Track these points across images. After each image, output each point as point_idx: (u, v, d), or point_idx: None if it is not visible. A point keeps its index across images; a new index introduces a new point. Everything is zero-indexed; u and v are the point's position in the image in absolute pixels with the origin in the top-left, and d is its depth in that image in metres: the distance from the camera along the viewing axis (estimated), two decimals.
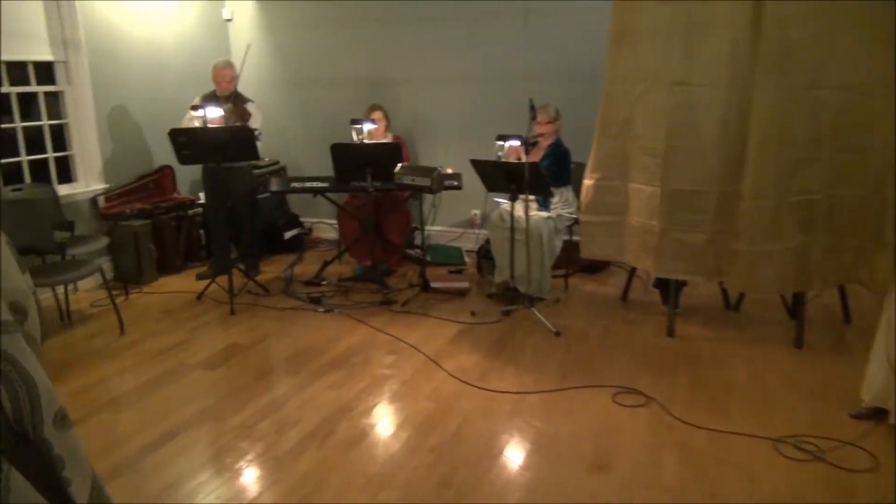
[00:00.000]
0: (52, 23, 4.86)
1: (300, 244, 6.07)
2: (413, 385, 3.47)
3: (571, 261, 4.73)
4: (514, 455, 2.83)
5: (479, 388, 3.40)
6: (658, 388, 3.30)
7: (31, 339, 1.07)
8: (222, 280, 4.75)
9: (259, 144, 4.70)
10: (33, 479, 0.99)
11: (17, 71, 4.76)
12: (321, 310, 4.56)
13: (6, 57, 4.61)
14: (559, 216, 4.50)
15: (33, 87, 4.86)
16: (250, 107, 5.09)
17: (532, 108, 4.38)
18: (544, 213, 4.46)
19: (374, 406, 3.27)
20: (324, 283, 5.05)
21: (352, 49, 5.99)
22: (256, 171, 5.55)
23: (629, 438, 2.90)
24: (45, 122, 4.97)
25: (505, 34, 5.39)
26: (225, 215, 5.14)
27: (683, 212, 3.71)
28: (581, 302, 4.63)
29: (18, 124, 4.78)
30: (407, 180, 4.51)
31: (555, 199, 4.48)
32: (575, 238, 4.52)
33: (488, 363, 3.69)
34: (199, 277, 5.22)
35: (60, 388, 3.46)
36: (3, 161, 4.68)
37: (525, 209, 4.22)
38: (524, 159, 4.28)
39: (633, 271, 4.49)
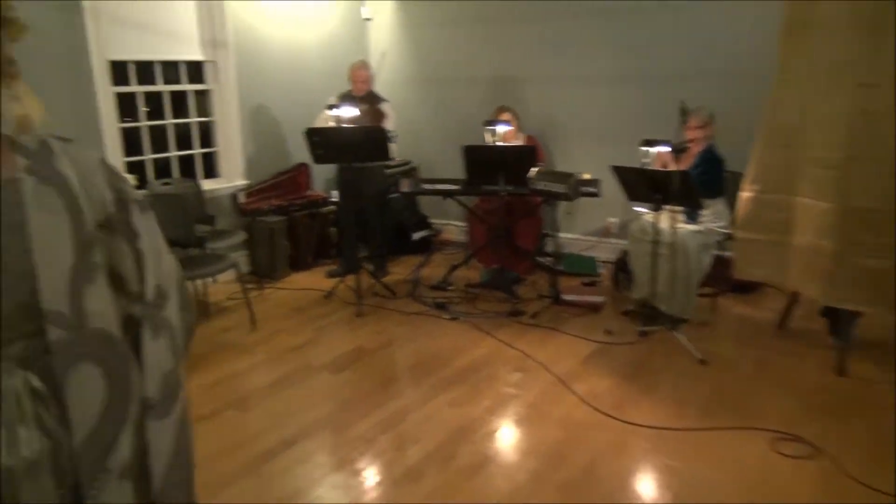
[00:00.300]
0: (203, 24, 5.05)
1: (428, 246, 5.98)
2: (541, 408, 3.23)
3: (720, 279, 4.28)
4: (653, 501, 2.53)
5: (613, 417, 3.10)
6: (828, 437, 2.84)
7: (167, 324, 1.13)
8: (350, 279, 4.74)
9: (394, 146, 4.64)
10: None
11: (171, 70, 4.99)
12: (447, 317, 4.42)
13: (162, 57, 4.85)
14: (709, 230, 4.08)
15: (184, 86, 5.09)
16: (385, 107, 5.05)
17: (683, 111, 4.00)
18: (692, 227, 4.06)
19: (499, 429, 3.07)
20: (450, 287, 4.92)
21: (488, 47, 5.81)
22: (388, 171, 5.51)
23: (793, 497, 2.50)
24: (193, 120, 5.19)
25: (650, 29, 4.97)
26: (355, 214, 5.13)
27: (863, 233, 3.20)
28: (731, 327, 4.18)
29: (170, 121, 5.02)
30: (541, 186, 4.26)
31: (704, 212, 4.07)
32: (725, 254, 4.09)
33: (624, 390, 3.38)
34: (329, 275, 5.26)
35: (195, 380, 3.56)
36: (155, 156, 4.93)
37: (671, 221, 3.85)
38: (672, 167, 3.92)
39: (793, 295, 3.98)
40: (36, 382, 0.99)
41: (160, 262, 1.13)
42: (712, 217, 4.10)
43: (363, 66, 5.13)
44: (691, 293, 4.05)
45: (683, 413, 3.12)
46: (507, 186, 4.44)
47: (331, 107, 4.52)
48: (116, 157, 4.54)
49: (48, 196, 0.98)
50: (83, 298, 0.99)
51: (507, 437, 3.03)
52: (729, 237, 4.02)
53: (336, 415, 3.24)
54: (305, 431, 3.08)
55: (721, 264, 4.12)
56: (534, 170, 4.33)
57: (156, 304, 1.11)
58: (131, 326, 1.08)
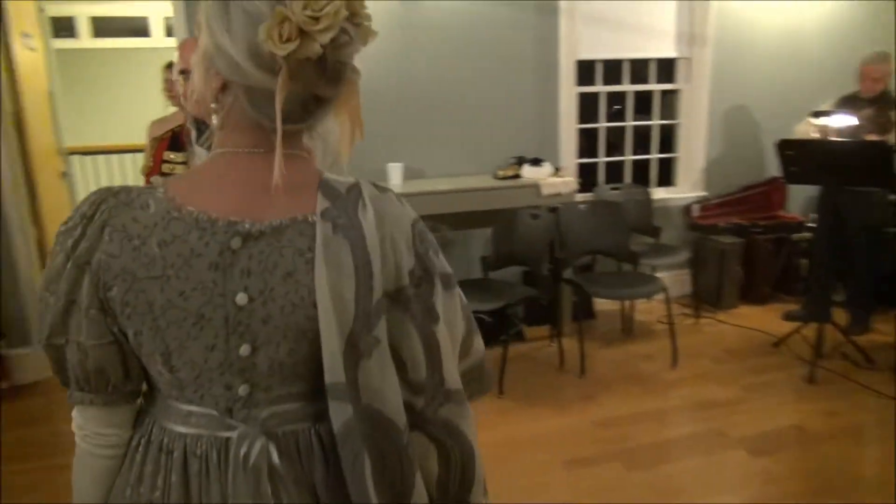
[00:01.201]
0: (682, 18, 4.56)
1: None
2: None
3: None
4: None
5: None
6: None
7: (452, 431, 0.95)
8: (812, 328, 3.73)
9: None
10: None
11: (638, 69, 4.67)
12: None
13: (632, 55, 4.57)
14: None
15: (651, 86, 4.71)
16: None
17: None
18: None
19: None
20: None
21: None
22: (891, 199, 4.16)
23: None
24: (655, 122, 4.80)
25: None
26: (835, 248, 3.98)
27: None
28: None
29: (630, 123, 4.73)
30: None
31: None
32: None
33: None
34: (787, 317, 4.30)
35: (591, 412, 3.26)
36: (609, 159, 4.72)
37: None
38: None
39: None
40: (275, 458, 0.85)
41: (457, 355, 0.94)
42: None
43: (881, 58, 3.92)
44: None
45: None
46: None
47: (817, 114, 3.56)
48: (570, 158, 4.46)
49: (339, 249, 0.83)
50: (357, 371, 0.83)
51: None
52: None
53: None
54: None
55: None
56: None
57: (475, 389, 0.97)
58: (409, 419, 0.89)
